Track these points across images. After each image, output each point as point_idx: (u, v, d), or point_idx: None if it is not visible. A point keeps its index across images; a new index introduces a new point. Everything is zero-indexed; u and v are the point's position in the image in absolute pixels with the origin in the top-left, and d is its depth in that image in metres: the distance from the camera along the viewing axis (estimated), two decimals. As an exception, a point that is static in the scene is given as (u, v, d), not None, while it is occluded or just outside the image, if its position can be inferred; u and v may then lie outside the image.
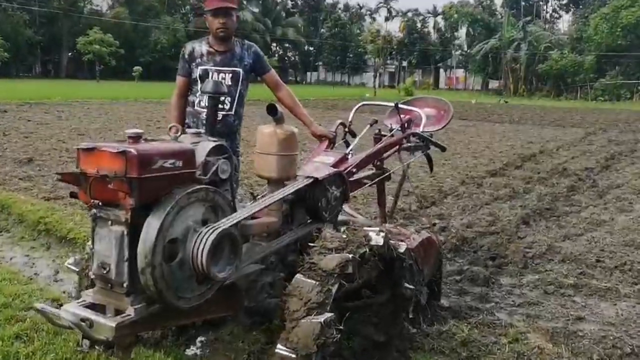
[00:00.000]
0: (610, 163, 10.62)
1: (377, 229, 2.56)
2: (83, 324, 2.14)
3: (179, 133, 2.39)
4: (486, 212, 6.50)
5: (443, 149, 4.32)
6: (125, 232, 2.14)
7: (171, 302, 2.20)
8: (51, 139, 11.63)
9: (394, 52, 68.89)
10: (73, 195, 2.24)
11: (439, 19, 73.41)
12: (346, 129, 3.97)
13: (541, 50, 51.65)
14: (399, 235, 3.12)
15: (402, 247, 2.69)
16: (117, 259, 2.15)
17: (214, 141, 2.53)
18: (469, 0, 67.26)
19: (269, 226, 2.69)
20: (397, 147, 3.76)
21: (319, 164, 3.27)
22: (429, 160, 4.26)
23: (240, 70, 3.68)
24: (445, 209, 6.68)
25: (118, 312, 2.21)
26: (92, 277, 2.25)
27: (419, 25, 74.06)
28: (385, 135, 3.93)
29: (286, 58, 74.10)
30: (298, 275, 2.34)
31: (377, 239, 2.50)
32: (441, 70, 74.80)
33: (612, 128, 18.75)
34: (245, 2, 65.33)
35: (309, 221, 2.93)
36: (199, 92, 3.63)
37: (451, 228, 5.73)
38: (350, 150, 3.60)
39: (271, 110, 2.71)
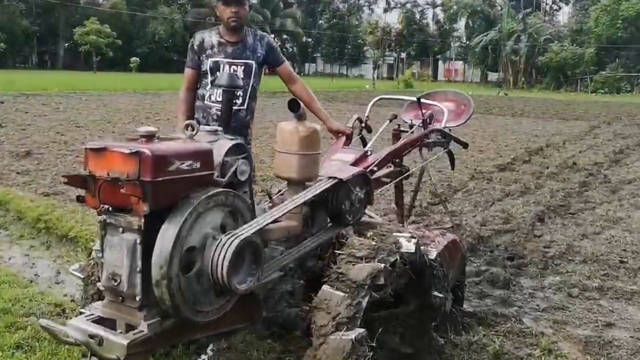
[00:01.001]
0: (619, 157, 10.44)
1: (407, 234, 2.37)
2: (92, 341, 1.95)
3: (195, 131, 2.18)
4: (499, 209, 6.32)
5: (465, 146, 4.13)
6: (138, 241, 1.95)
7: (188, 317, 2.01)
8: (49, 132, 11.41)
9: (392, 44, 68.52)
10: (81, 199, 2.04)
11: (438, 10, 72.98)
12: (362, 125, 3.77)
13: (541, 42, 51.39)
14: (423, 238, 2.94)
15: (433, 253, 2.50)
16: (129, 269, 1.95)
17: (232, 139, 2.33)
18: (468, -9, 66.76)
19: (289, 231, 2.50)
20: (419, 144, 3.57)
21: (339, 162, 3.08)
22: (451, 157, 4.06)
23: (253, 62, 3.47)
24: (457, 205, 6.50)
25: (130, 327, 2.01)
26: (102, 288, 2.05)
27: (417, 16, 73.57)
28: (405, 131, 3.73)
29: (284, 49, 73.54)
30: (325, 287, 2.15)
31: (408, 245, 2.31)
32: (440, 62, 74.42)
33: (616, 121, 18.57)
34: (243, -7, 64.73)
35: (330, 225, 2.73)
36: (209, 86, 3.42)
37: (465, 226, 5.55)
38: (370, 147, 3.40)
39: (293, 105, 2.50)
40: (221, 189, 2.09)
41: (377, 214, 5.74)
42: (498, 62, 55.75)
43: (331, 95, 28.44)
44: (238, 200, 2.16)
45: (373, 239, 2.33)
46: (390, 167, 3.66)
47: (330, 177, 2.56)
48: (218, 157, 2.20)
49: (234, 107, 3.39)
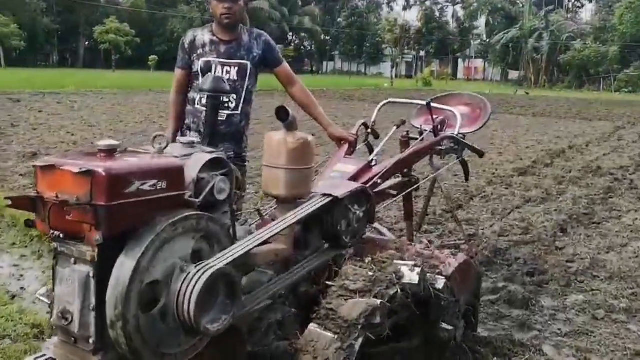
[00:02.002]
0: (646, 161, 9.98)
1: (411, 263, 2.06)
2: (39, 389, 1.68)
3: (166, 144, 1.90)
4: (518, 217, 5.97)
5: (481, 155, 3.80)
6: (92, 274, 1.68)
7: (151, 361, 1.73)
8: (60, 131, 11.28)
9: (411, 42, 67.87)
10: (29, 224, 1.78)
11: (458, 7, 72.16)
12: (368, 130, 3.47)
13: (563, 40, 50.47)
14: (432, 259, 2.63)
15: (440, 283, 2.20)
16: (81, 307, 1.68)
17: (211, 152, 2.05)
18: (489, -12, 65.85)
19: (277, 254, 2.21)
20: (429, 152, 3.25)
21: (338, 174, 2.78)
22: (465, 166, 3.73)
23: (248, 62, 3.18)
24: (473, 212, 6.16)
25: (84, 372, 1.75)
26: (53, 327, 1.78)
27: (437, 14, 72.81)
28: (414, 138, 3.42)
29: (302, 47, 73.31)
30: (312, 326, 1.86)
31: (410, 276, 2.01)
32: (459, 61, 73.59)
33: (641, 122, 17.99)
34: (261, -9, 64.68)
35: (326, 246, 2.43)
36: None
37: (482, 236, 5.21)
38: (375, 156, 3.10)
39: (281, 113, 2.21)
40: (192, 212, 1.81)
41: (389, 222, 5.50)
42: (519, 60, 54.93)
43: (348, 94, 28.13)
44: (213, 224, 1.88)
45: (370, 268, 2.03)
46: (398, 177, 3.36)
47: (324, 194, 2.27)
48: (192, 173, 1.92)
49: (227, 112, 3.13)
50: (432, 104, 3.31)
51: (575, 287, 4.19)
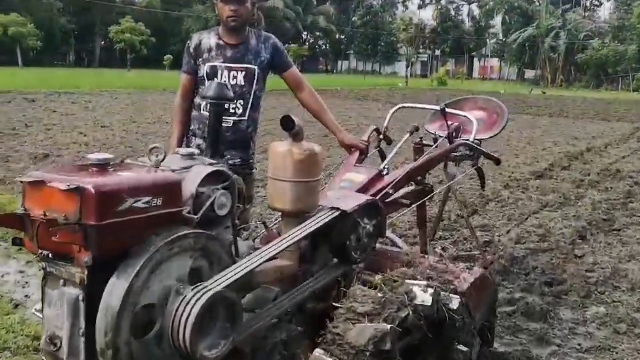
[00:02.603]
0: (667, 164, 9.74)
1: (424, 283, 1.94)
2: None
3: (163, 156, 1.79)
4: (535, 224, 5.80)
5: (497, 162, 3.65)
6: (81, 297, 1.58)
7: (144, 390, 1.63)
8: (73, 132, 11.27)
9: (426, 41, 67.51)
10: (17, 242, 1.68)
11: (474, 6, 71.63)
12: (381, 136, 3.34)
13: (581, 39, 49.85)
14: (446, 273, 2.50)
15: (455, 303, 2.07)
16: (70, 332, 1.58)
17: (212, 164, 1.94)
18: (505, -13, 65.26)
19: (282, 272, 2.10)
20: (444, 160, 3.12)
21: (348, 184, 2.66)
22: (481, 174, 3.59)
23: (256, 67, 3.07)
24: (489, 218, 6.00)
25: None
26: (42, 352, 1.68)
27: (452, 13, 72.35)
28: (428, 145, 3.29)
29: (317, 47, 73.22)
30: (317, 352, 1.75)
31: (423, 297, 1.89)
32: (475, 60, 73.02)
33: (661, 123, 17.64)
34: (276, -10, 64.63)
35: (334, 262, 2.31)
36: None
37: (498, 244, 5.06)
38: (387, 164, 2.97)
39: (286, 123, 2.09)
40: (189, 230, 1.70)
41: (403, 227, 5.36)
42: (536, 59, 54.37)
43: (363, 94, 28.00)
44: (213, 243, 1.77)
45: (380, 289, 1.90)
46: (411, 185, 3.22)
47: (332, 208, 2.15)
48: (191, 188, 1.81)
49: (234, 119, 3.03)
50: (447, 110, 3.16)
51: (595, 298, 4.03)
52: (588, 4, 64.86)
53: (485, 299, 2.75)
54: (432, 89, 37.60)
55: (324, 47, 74.36)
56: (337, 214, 2.13)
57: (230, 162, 3.06)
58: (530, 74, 58.47)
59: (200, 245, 1.72)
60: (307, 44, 68.35)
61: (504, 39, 62.63)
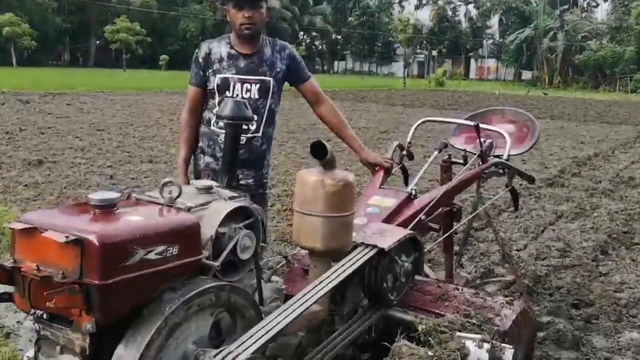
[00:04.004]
0: (678, 170, 9.51)
1: (477, 336, 1.68)
2: None
3: (178, 192, 1.53)
4: (553, 236, 5.55)
5: (531, 180, 3.40)
6: (83, 368, 1.31)
7: None
8: (68, 136, 10.97)
9: (423, 42, 67.39)
10: (5, 298, 1.41)
11: (471, 7, 71.41)
12: (403, 152, 3.08)
13: (578, 40, 49.73)
14: (485, 309, 2.25)
15: (508, 354, 1.81)
16: (69, 411, 1.31)
17: (232, 197, 1.68)
18: (502, -13, 65.16)
19: (311, 319, 1.83)
20: (477, 180, 2.87)
21: (375, 210, 2.40)
22: (514, 195, 3.33)
23: (271, 79, 2.81)
24: (504, 230, 5.75)
25: None
26: None
27: (449, 13, 72.14)
28: (457, 163, 3.03)
29: (313, 47, 72.89)
30: None
31: (478, 354, 1.63)
32: (472, 60, 72.87)
33: (664, 125, 17.45)
34: (272, -10, 64.34)
35: (365, 302, 2.05)
36: (217, 108, 2.76)
37: (518, 260, 4.81)
38: (414, 186, 2.71)
39: (318, 150, 1.83)
40: (210, 284, 1.44)
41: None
42: (533, 60, 54.22)
43: (361, 95, 27.75)
44: (236, 296, 1.50)
45: (428, 344, 1.64)
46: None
47: (368, 245, 1.88)
48: (209, 229, 1.54)
49: (247, 135, 2.76)
50: (480, 125, 2.89)
51: (627, 322, 3.78)
52: (585, 4, 64.82)
53: (527, 335, 2.51)
54: (430, 90, 37.42)
55: (321, 47, 74.03)
56: (373, 252, 1.86)
57: (243, 181, 2.81)
58: (527, 74, 58.32)
59: (223, 300, 1.46)
60: (304, 44, 68.04)
61: (501, 40, 62.54)
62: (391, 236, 1.93)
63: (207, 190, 1.66)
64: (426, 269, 3.09)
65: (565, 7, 54.73)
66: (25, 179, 7.16)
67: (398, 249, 1.96)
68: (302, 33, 69.01)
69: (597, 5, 66.74)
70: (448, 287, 2.55)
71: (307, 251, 1.98)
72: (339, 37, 72.51)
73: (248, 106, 2.04)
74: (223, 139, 2.71)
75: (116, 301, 1.28)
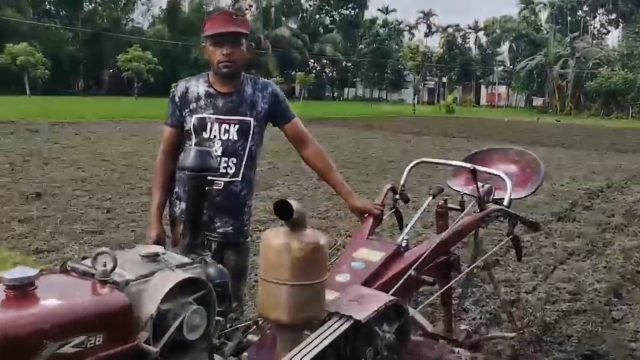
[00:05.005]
0: (695, 203, 9.19)
1: None
2: None
3: (112, 264, 1.32)
4: (564, 277, 5.27)
5: (536, 228, 3.16)
6: None
7: None
8: (71, 167, 10.88)
9: (433, 69, 67.61)
10: None
11: (481, 34, 71.74)
12: (397, 196, 2.87)
13: (589, 67, 49.60)
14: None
15: None
16: None
17: (183, 265, 1.47)
18: (512, 15, 65.49)
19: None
20: (475, 228, 2.64)
21: (360, 265, 2.18)
22: (517, 244, 3.08)
23: (251, 119, 2.62)
24: (512, 269, 5.47)
25: None
26: None
27: (459, 40, 72.50)
28: (454, 209, 2.80)
29: (324, 74, 73.39)
30: None
31: None
32: (482, 87, 72.92)
33: (679, 154, 17.10)
34: (283, 18, 65.03)
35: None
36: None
37: (525, 304, 4.54)
38: (405, 235, 2.49)
39: (282, 210, 1.61)
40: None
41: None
42: (544, 86, 54.09)
43: (369, 123, 27.69)
44: (178, 388, 1.28)
45: None
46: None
47: (342, 316, 1.66)
48: (149, 306, 1.33)
49: (225, 180, 2.57)
50: (477, 168, 2.68)
51: (644, 377, 3.50)
52: (595, 32, 64.82)
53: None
54: (440, 117, 37.30)
55: (331, 74, 74.51)
56: (348, 324, 1.64)
57: (221, 230, 2.62)
58: (538, 101, 58.16)
59: (160, 395, 1.24)
60: (314, 71, 68.50)
61: (512, 67, 62.54)
62: (369, 304, 1.70)
63: (153, 258, 1.45)
64: (423, 321, 2.84)
65: (576, 34, 54.76)
66: (21, 213, 7.00)
67: (378, 319, 1.73)
68: (312, 61, 69.55)
69: (608, 32, 66.78)
70: (444, 348, 2.32)
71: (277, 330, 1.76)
72: (349, 64, 72.98)
73: (213, 156, 1.84)
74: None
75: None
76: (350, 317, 1.64)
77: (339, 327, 1.62)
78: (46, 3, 60.56)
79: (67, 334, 1.11)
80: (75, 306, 1.19)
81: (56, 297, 1.19)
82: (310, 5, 71.66)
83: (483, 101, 69.57)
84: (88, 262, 1.42)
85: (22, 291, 1.17)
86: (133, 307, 1.26)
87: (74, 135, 17.18)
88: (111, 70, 59.13)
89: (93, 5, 61.38)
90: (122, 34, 56.57)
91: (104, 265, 1.32)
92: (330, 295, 1.83)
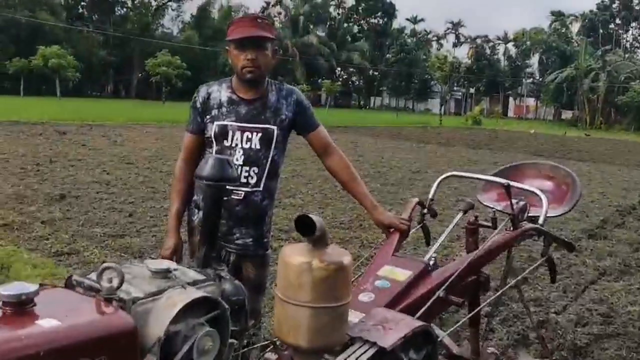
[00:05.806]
0: None
1: None
2: None
3: (119, 281, 1.22)
4: (596, 298, 5.05)
5: (571, 249, 3.00)
6: None
7: None
8: (96, 169, 10.93)
9: (461, 79, 67.13)
10: None
11: (510, 45, 71.05)
12: (424, 210, 2.73)
13: (621, 80, 48.67)
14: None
15: None
16: None
17: (196, 282, 1.36)
18: (542, 27, 64.75)
19: None
20: (509, 247, 2.50)
21: (385, 283, 2.05)
22: (552, 266, 2.92)
23: (275, 127, 2.52)
24: (541, 288, 5.27)
25: None
26: None
27: (488, 51, 71.89)
28: (485, 226, 2.66)
29: (350, 82, 73.40)
30: None
31: None
32: (510, 99, 72.09)
33: None
34: (311, 26, 65.23)
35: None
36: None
37: (554, 325, 4.35)
38: (433, 254, 2.35)
39: (304, 225, 1.50)
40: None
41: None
42: (573, 100, 53.23)
43: (395, 132, 27.50)
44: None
45: None
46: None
47: (366, 342, 1.54)
48: (157, 327, 1.23)
49: (246, 190, 2.46)
50: (512, 184, 2.53)
51: (683, 410, 3.29)
52: (628, 45, 63.68)
53: None
54: (466, 128, 36.91)
55: (357, 83, 74.49)
56: (372, 351, 1.52)
57: (240, 241, 2.52)
58: (567, 114, 57.28)
59: None
60: (341, 79, 68.53)
61: (541, 79, 61.75)
62: (396, 329, 1.58)
63: (163, 274, 1.35)
64: (448, 342, 2.70)
65: (608, 47, 53.82)
66: (44, 214, 7.02)
67: (405, 345, 1.60)
68: (339, 69, 69.62)
69: (641, 45, 65.53)
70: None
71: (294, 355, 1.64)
72: (376, 73, 72.87)
73: (232, 165, 1.74)
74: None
75: None
76: (374, 343, 1.52)
77: (362, 353, 1.50)
78: (80, 7, 61.79)
79: (65, 357, 1.01)
80: (75, 327, 1.10)
81: (55, 316, 1.10)
82: (338, 14, 71.89)
83: (511, 113, 68.74)
84: (94, 276, 1.32)
85: (19, 309, 1.08)
86: (139, 328, 1.16)
87: (101, 137, 17.34)
88: (140, 75, 59.97)
89: (125, 10, 62.45)
90: (152, 39, 57.27)
91: (110, 282, 1.23)
92: (352, 316, 1.71)
